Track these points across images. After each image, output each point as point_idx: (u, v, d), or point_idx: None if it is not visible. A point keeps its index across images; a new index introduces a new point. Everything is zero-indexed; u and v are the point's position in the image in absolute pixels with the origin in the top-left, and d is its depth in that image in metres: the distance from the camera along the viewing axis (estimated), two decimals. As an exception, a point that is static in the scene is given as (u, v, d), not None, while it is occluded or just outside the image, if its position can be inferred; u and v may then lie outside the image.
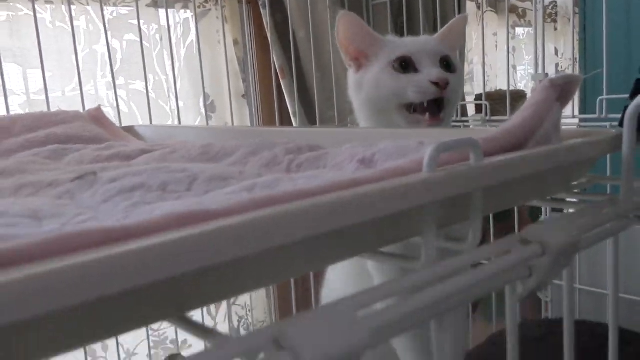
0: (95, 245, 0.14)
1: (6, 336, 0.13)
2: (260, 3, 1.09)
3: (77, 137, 0.67)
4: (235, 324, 1.15)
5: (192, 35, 1.10)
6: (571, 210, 0.30)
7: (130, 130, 0.77)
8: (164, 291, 0.15)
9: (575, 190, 0.35)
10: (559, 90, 0.32)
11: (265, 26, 1.11)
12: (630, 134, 0.29)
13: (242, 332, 1.17)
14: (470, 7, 1.51)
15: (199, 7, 1.07)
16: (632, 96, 0.32)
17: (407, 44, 0.60)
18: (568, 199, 0.35)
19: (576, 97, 0.91)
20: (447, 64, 0.60)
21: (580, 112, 0.90)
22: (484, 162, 0.23)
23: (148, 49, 1.04)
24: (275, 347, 0.15)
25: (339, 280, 0.71)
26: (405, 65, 0.59)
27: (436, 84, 0.57)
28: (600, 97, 0.81)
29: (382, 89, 0.60)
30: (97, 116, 0.76)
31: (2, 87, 0.76)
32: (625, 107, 0.32)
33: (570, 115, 0.89)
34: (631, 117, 0.28)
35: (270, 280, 0.20)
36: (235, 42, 1.12)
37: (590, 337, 0.77)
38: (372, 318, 0.17)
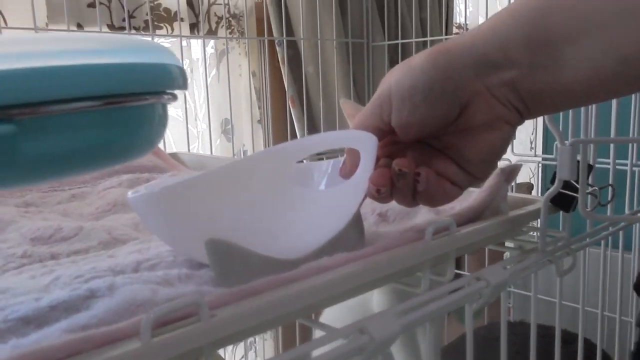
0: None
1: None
2: (276, 42, 1.27)
3: (142, 167, 0.85)
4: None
5: (215, 69, 1.27)
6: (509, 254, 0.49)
7: (175, 156, 0.95)
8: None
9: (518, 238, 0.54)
10: (507, 174, 0.51)
11: (280, 61, 1.29)
12: (545, 210, 0.47)
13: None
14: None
15: (223, 44, 1.25)
16: (552, 181, 0.50)
17: None
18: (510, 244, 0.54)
19: (540, 141, 1.11)
20: None
21: (544, 152, 1.10)
22: (456, 233, 0.42)
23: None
24: (359, 332, 0.33)
25: (336, 311, 0.91)
26: None
27: None
28: (556, 142, 1.01)
29: None
30: (150, 145, 0.93)
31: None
32: (547, 189, 0.51)
33: (532, 155, 1.09)
34: (545, 200, 0.47)
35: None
36: (254, 74, 1.30)
37: (542, 337, 0.97)
38: (398, 320, 0.35)
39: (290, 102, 1.29)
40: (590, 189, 0.48)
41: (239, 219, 0.37)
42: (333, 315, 0.90)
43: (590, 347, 0.88)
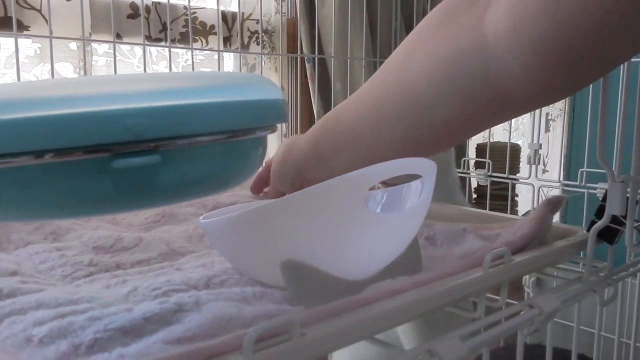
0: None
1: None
2: (305, 58, 1.30)
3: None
4: None
5: (246, 80, 1.30)
6: (557, 283, 0.51)
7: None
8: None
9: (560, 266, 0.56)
10: (552, 205, 0.53)
11: (309, 77, 1.31)
12: (591, 243, 0.49)
13: None
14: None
15: (255, 58, 1.27)
16: (597, 214, 0.52)
17: None
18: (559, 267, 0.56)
19: (561, 167, 1.13)
20: None
21: (565, 179, 1.12)
22: (511, 262, 0.44)
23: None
24: (428, 354, 0.35)
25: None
26: None
27: None
28: (581, 169, 1.03)
29: None
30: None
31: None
32: (592, 222, 0.52)
33: (556, 180, 1.10)
34: (592, 233, 0.49)
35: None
36: (282, 89, 1.32)
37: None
38: (465, 344, 0.37)
39: (317, 117, 1.31)
40: (636, 224, 0.50)
41: (309, 242, 0.38)
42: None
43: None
